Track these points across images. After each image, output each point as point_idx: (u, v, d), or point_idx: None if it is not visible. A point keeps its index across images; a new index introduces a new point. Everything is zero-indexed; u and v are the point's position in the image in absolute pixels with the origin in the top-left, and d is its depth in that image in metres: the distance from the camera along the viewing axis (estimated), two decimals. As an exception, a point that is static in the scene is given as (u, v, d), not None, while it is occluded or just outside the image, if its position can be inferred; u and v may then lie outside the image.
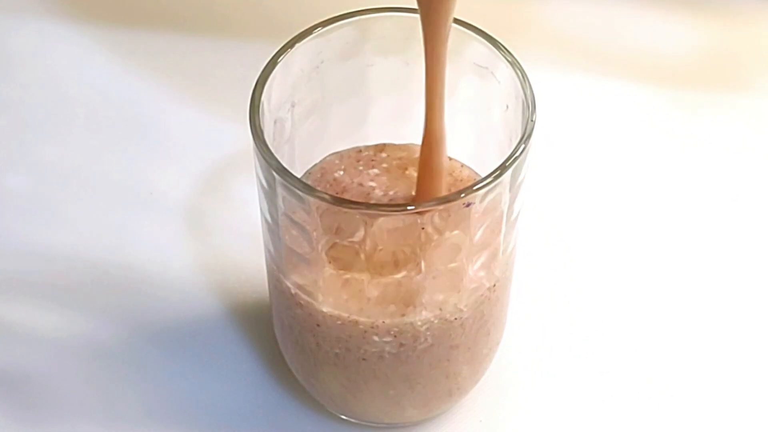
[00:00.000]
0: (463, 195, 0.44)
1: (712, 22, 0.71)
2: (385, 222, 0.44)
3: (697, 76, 0.69)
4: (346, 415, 0.54)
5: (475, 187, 0.44)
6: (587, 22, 0.71)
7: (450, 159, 0.51)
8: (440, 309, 0.46)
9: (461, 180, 0.51)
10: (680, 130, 0.66)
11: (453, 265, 0.46)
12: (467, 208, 0.44)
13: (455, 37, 0.49)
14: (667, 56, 0.70)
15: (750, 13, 0.71)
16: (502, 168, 0.45)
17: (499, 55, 0.48)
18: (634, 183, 0.64)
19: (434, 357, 0.48)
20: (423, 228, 0.45)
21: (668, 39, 0.71)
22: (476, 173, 0.51)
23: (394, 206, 0.45)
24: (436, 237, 0.45)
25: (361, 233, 0.45)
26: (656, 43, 0.70)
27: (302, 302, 0.47)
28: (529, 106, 0.47)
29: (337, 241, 0.45)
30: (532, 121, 0.46)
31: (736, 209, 0.62)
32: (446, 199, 0.44)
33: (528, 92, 0.47)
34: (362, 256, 0.45)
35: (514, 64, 0.48)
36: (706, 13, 0.71)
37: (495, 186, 0.45)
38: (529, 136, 0.46)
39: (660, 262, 0.60)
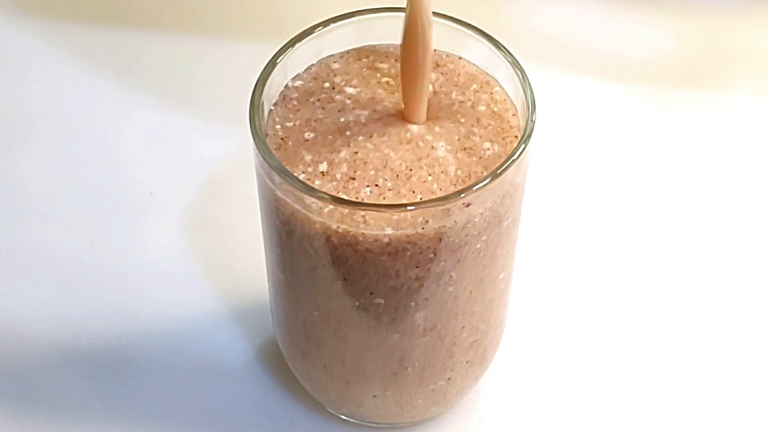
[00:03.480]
0: (463, 195, 0.44)
1: (707, 22, 0.71)
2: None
3: (691, 76, 0.69)
4: (345, 415, 0.54)
5: (475, 187, 0.44)
6: (587, 23, 0.71)
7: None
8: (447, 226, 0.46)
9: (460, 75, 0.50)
10: (679, 129, 0.66)
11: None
12: (467, 208, 0.45)
13: (455, 37, 0.49)
14: (666, 56, 0.70)
15: (740, 13, 0.72)
16: (503, 168, 0.45)
17: (499, 55, 0.48)
18: (632, 182, 0.64)
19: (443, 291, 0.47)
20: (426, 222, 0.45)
21: (664, 40, 0.71)
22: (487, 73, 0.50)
23: (395, 206, 0.45)
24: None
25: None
26: (654, 44, 0.71)
27: (299, 246, 0.47)
28: (529, 106, 0.47)
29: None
30: (532, 121, 0.46)
31: (731, 205, 0.63)
32: (446, 199, 0.44)
33: (528, 92, 0.47)
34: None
35: (514, 64, 0.48)
36: (701, 14, 0.71)
37: (495, 186, 0.45)
38: (529, 136, 0.46)
39: (659, 258, 0.60)
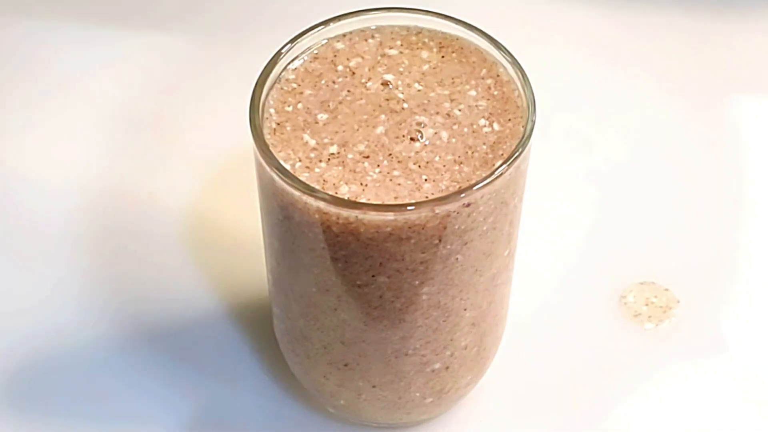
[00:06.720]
0: (463, 195, 0.44)
1: (709, 22, 0.71)
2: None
3: (693, 75, 0.69)
4: (345, 415, 0.54)
5: (475, 187, 0.44)
6: (588, 23, 0.71)
7: None
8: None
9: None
10: (680, 129, 0.66)
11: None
12: (467, 208, 0.45)
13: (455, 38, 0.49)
14: (667, 56, 0.70)
15: (748, 13, 0.72)
16: (503, 168, 0.45)
17: (499, 55, 0.48)
18: (633, 181, 0.64)
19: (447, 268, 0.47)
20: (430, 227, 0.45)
21: (665, 40, 0.71)
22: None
23: (395, 206, 0.45)
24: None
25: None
26: (655, 44, 0.71)
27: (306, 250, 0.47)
28: (529, 106, 0.47)
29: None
30: (532, 121, 0.46)
31: (734, 206, 0.63)
32: (446, 199, 0.44)
33: (528, 92, 0.47)
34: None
35: (514, 64, 0.48)
36: (703, 13, 0.71)
37: (495, 186, 0.45)
38: (529, 136, 0.46)
39: (660, 259, 0.60)
